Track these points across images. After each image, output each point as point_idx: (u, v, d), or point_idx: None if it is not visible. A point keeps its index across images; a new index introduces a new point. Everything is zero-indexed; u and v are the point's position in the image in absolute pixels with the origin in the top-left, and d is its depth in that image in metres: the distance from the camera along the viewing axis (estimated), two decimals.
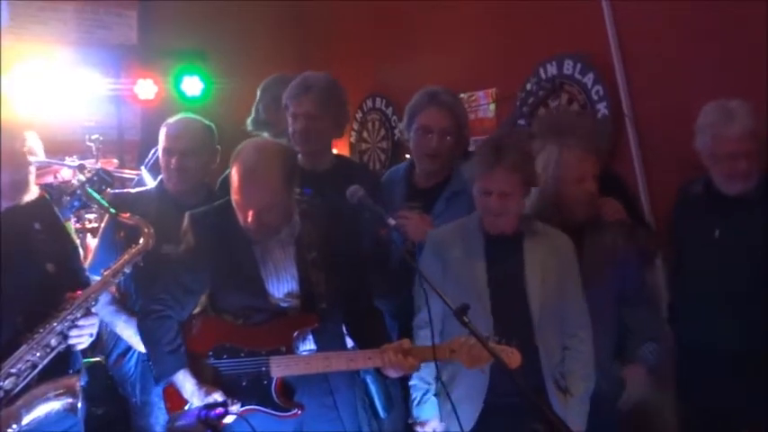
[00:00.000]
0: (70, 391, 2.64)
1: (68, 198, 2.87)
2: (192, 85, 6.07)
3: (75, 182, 2.91)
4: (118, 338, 3.37)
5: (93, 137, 4.81)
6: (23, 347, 2.57)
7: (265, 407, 2.75)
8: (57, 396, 2.62)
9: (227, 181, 3.89)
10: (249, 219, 2.69)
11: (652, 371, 3.14)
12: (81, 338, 2.71)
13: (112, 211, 2.91)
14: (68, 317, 2.65)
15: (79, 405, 2.65)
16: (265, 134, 4.00)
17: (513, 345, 2.68)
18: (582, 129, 4.17)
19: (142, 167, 4.13)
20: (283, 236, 2.84)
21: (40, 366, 2.60)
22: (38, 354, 2.59)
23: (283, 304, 2.81)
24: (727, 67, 3.74)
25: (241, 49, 6.15)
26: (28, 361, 2.58)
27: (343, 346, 2.98)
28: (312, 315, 2.80)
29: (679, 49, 3.98)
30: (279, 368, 2.75)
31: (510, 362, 2.63)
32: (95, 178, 2.91)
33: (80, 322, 2.68)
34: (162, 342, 2.75)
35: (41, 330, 2.60)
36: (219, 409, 2.40)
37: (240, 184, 2.71)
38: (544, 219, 3.17)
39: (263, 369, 2.75)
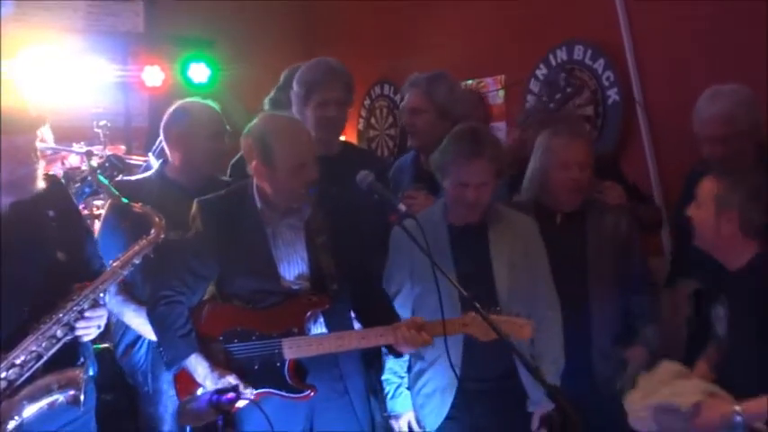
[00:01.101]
0: (74, 384, 2.60)
1: (79, 185, 2.86)
2: (199, 72, 6.03)
3: (84, 168, 2.89)
4: (126, 328, 3.34)
5: (101, 123, 4.80)
6: (29, 338, 2.54)
7: (278, 389, 2.74)
8: (60, 389, 2.58)
9: (240, 164, 3.91)
10: (305, 175, 2.73)
11: (653, 353, 3.13)
12: (88, 330, 2.67)
13: (125, 200, 2.88)
14: (75, 308, 2.60)
15: (82, 398, 2.61)
16: None
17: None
18: (571, 116, 4.22)
19: (150, 154, 4.12)
20: (294, 220, 2.84)
21: (45, 357, 2.57)
22: (43, 344, 2.55)
23: (294, 287, 2.81)
24: (739, 52, 3.71)
25: (248, 36, 6.13)
26: (33, 351, 2.54)
27: (352, 329, 2.97)
28: (323, 296, 2.79)
29: (691, 34, 3.94)
30: (291, 350, 2.75)
31: (521, 334, 2.66)
32: (107, 164, 2.89)
33: (88, 314, 2.63)
34: (173, 327, 2.75)
35: (47, 321, 2.57)
36: (231, 394, 2.38)
37: (292, 141, 2.76)
38: (535, 206, 3.24)
39: (276, 351, 2.74)
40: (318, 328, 2.83)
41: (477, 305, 2.42)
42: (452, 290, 2.61)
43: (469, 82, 5.10)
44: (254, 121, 2.86)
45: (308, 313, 2.78)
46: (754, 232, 2.62)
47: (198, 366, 2.71)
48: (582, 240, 3.22)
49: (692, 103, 3.27)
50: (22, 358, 2.53)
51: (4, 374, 2.50)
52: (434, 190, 3.40)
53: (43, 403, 2.55)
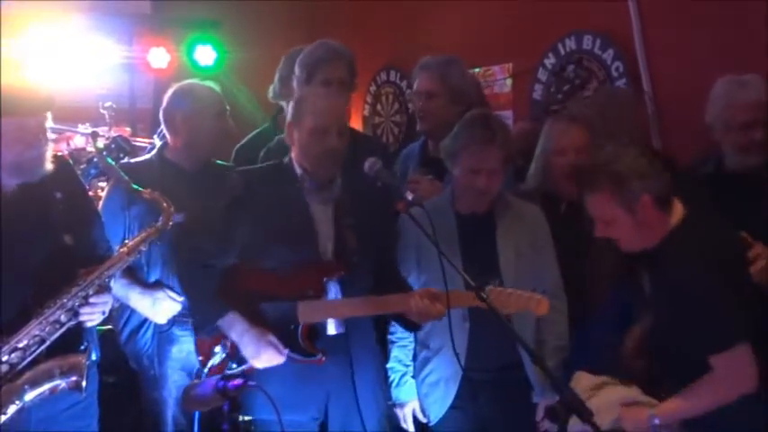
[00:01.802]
0: (76, 370, 2.59)
1: (84, 166, 2.85)
2: (205, 55, 6.02)
3: (90, 149, 2.88)
4: (131, 312, 3.34)
5: (107, 105, 4.78)
6: (32, 322, 2.52)
7: (291, 352, 2.75)
8: (62, 374, 2.57)
9: (244, 149, 3.89)
10: (326, 142, 2.77)
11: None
12: (92, 316, 2.65)
13: (135, 186, 2.86)
14: (80, 293, 2.59)
15: (84, 384, 2.60)
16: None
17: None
18: (577, 102, 4.20)
19: (155, 136, 4.10)
20: (325, 196, 2.87)
21: (48, 342, 2.55)
22: (47, 329, 2.54)
23: (320, 254, 2.84)
24: (748, 44, 3.68)
25: (254, 18, 6.10)
26: (36, 336, 2.53)
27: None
28: (340, 263, 2.81)
29: (701, 24, 3.92)
30: (306, 312, 2.76)
31: (538, 309, 2.66)
32: (113, 146, 2.88)
33: (92, 299, 2.61)
34: (205, 289, 2.76)
35: (52, 305, 2.55)
36: (237, 380, 2.38)
37: (319, 105, 2.82)
38: (540, 194, 3.27)
39: (291, 313, 2.75)
40: (336, 292, 2.84)
41: (484, 296, 2.40)
42: (459, 278, 2.60)
43: (477, 70, 5.07)
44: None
45: (325, 279, 2.79)
46: (666, 200, 2.55)
47: (235, 324, 2.72)
48: (586, 230, 3.21)
49: (702, 94, 3.24)
50: (25, 342, 2.52)
51: (5, 358, 2.49)
52: (441, 176, 3.40)
53: (45, 388, 2.54)
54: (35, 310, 2.54)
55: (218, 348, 2.72)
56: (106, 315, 2.73)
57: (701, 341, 2.48)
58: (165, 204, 2.81)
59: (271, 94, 4.04)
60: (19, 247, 2.55)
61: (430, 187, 3.32)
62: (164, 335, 3.30)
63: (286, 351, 2.74)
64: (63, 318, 2.57)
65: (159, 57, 5.91)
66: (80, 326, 2.65)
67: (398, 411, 3.08)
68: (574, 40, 4.50)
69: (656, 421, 2.49)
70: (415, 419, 3.10)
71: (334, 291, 2.82)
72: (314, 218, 2.84)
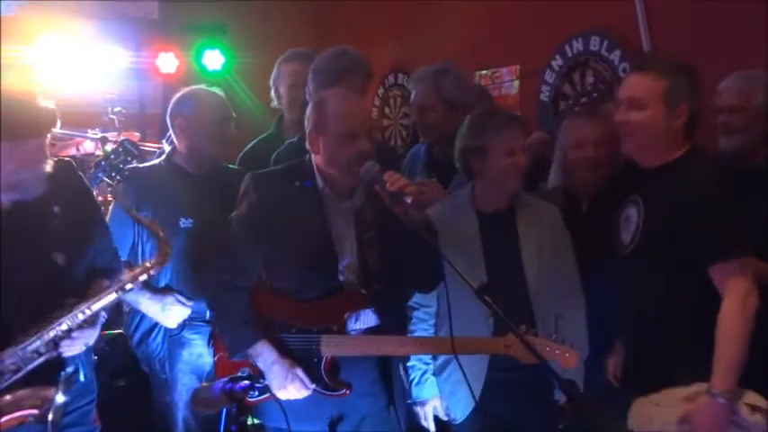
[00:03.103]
0: (45, 402, 2.44)
1: (93, 170, 2.84)
2: (213, 59, 6.06)
3: (99, 153, 2.87)
4: (142, 316, 3.35)
5: (115, 110, 4.81)
6: (9, 350, 2.39)
7: (314, 384, 2.70)
8: (31, 407, 2.43)
9: (249, 154, 3.90)
10: (355, 147, 2.67)
11: None
12: (72, 349, 2.52)
13: (145, 215, 2.84)
14: (62, 326, 2.46)
15: (50, 417, 2.44)
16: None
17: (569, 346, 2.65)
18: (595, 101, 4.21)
19: (164, 141, 4.12)
20: (346, 205, 2.78)
21: (23, 372, 2.42)
22: (24, 358, 2.41)
23: (341, 277, 2.74)
24: (756, 44, 3.67)
25: (262, 23, 6.13)
26: (12, 364, 2.40)
27: (405, 319, 2.99)
28: (364, 296, 2.73)
29: (707, 25, 3.91)
30: (329, 347, 2.70)
31: (566, 363, 2.61)
32: (121, 149, 2.88)
33: (75, 334, 2.48)
34: (235, 314, 2.69)
35: (32, 335, 2.42)
36: (244, 383, 2.37)
37: (348, 112, 2.74)
38: (562, 194, 3.27)
39: (314, 347, 2.70)
40: (359, 324, 2.75)
41: (489, 300, 2.34)
42: (482, 278, 2.60)
43: (484, 72, 5.08)
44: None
45: (347, 313, 2.72)
46: (695, 126, 2.65)
47: (264, 353, 2.67)
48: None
49: (708, 95, 3.24)
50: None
51: None
52: (446, 181, 3.39)
53: (12, 420, 2.42)
54: (18, 335, 2.42)
55: (241, 372, 2.63)
56: (88, 346, 2.60)
57: (707, 249, 2.53)
58: (161, 235, 2.71)
59: (274, 102, 4.08)
60: (8, 266, 2.44)
61: (437, 193, 3.29)
62: (174, 338, 3.32)
63: (312, 386, 2.69)
64: (42, 349, 2.45)
65: (168, 62, 5.95)
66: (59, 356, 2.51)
67: (419, 410, 3.06)
68: (581, 42, 4.50)
69: (721, 400, 2.43)
70: (435, 418, 3.09)
71: (360, 320, 2.75)
72: (334, 232, 2.76)
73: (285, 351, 2.71)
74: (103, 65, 5.67)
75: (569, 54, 4.56)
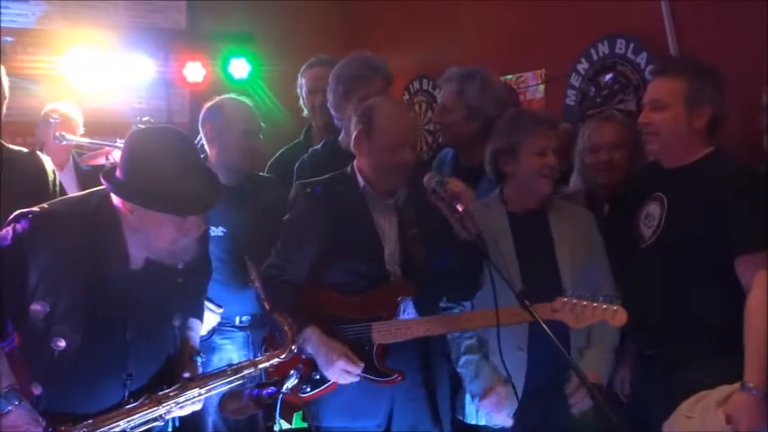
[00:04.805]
0: None
1: None
2: (240, 68, 6.10)
3: None
4: None
5: (144, 119, 4.87)
6: (120, 416, 2.36)
7: (367, 373, 2.76)
8: None
9: (277, 163, 3.93)
10: (401, 156, 2.79)
11: None
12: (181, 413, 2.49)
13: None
14: (174, 401, 2.42)
15: None
16: None
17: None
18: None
19: None
20: (389, 202, 2.89)
21: None
22: (132, 425, 2.38)
23: (387, 267, 2.85)
24: None
25: (288, 31, 6.16)
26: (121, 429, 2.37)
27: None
28: (413, 283, 2.81)
29: (734, 28, 3.87)
30: (380, 333, 2.77)
31: (615, 320, 2.60)
32: None
33: (183, 403, 2.44)
34: (284, 304, 2.72)
35: (145, 404, 2.39)
36: (271, 388, 2.40)
37: (397, 125, 2.84)
38: (581, 194, 3.33)
39: (365, 335, 2.77)
40: (408, 316, 2.83)
41: (528, 303, 2.38)
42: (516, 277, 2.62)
43: (509, 77, 5.06)
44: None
45: (399, 298, 2.80)
46: (718, 127, 2.71)
47: (313, 337, 2.75)
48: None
49: (734, 98, 3.21)
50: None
51: None
52: (472, 186, 3.39)
53: None
54: (128, 400, 2.41)
55: (293, 371, 2.65)
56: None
57: (733, 242, 2.55)
58: (288, 332, 2.61)
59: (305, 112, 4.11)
60: (129, 326, 2.43)
61: (471, 196, 3.32)
62: (205, 344, 3.33)
63: (362, 365, 2.74)
64: (149, 416, 2.41)
65: (195, 71, 6.00)
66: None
67: (483, 403, 2.97)
68: (607, 45, 4.47)
69: (757, 393, 2.42)
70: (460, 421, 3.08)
71: (407, 311, 2.84)
72: (379, 229, 2.87)
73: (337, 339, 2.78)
74: (132, 75, 5.74)
75: (595, 57, 4.54)
